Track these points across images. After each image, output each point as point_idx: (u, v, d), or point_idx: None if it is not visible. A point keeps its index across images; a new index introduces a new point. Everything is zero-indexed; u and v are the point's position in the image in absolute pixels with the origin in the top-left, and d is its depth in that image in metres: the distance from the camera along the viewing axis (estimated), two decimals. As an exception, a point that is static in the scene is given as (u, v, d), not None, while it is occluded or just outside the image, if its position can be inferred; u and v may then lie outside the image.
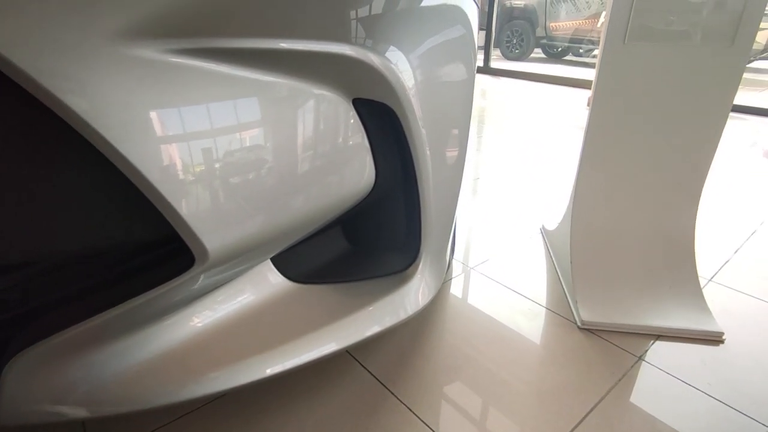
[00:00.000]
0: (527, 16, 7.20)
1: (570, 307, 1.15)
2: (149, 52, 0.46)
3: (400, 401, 0.85)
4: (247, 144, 0.51)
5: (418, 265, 0.74)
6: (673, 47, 0.98)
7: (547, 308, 1.15)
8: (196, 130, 0.49)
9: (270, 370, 0.65)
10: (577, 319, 1.09)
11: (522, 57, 7.40)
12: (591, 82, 3.93)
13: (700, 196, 1.11)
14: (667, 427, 0.81)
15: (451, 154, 0.75)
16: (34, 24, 0.40)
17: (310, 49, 0.53)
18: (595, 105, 1.09)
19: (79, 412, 0.56)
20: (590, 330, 1.06)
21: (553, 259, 1.37)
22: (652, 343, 1.01)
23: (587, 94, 4.13)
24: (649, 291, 1.12)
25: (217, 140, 0.50)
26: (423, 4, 0.65)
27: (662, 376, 0.92)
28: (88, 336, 0.54)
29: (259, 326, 0.65)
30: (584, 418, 0.82)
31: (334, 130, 0.57)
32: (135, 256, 0.54)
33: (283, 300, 0.65)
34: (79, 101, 0.42)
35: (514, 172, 2.18)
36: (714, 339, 1.02)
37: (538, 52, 7.78)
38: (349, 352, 0.96)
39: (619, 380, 0.91)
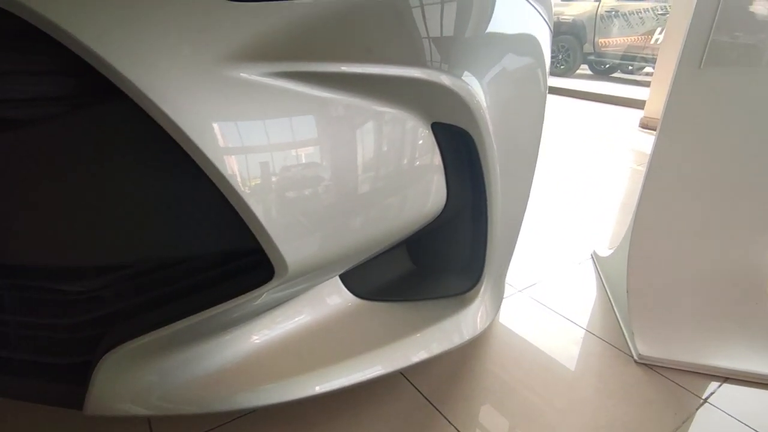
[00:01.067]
0: (575, 31, 7.06)
1: (625, 338, 1.10)
2: (249, 75, 0.48)
3: (450, 423, 0.84)
4: (332, 164, 0.53)
5: (479, 289, 0.73)
6: (756, 73, 0.93)
7: (600, 338, 1.11)
8: (286, 149, 0.51)
9: (323, 388, 0.65)
10: (633, 352, 1.04)
11: (567, 73, 7.25)
12: (643, 101, 3.80)
13: (775, 231, 1.05)
14: (737, 478, 0.76)
15: (520, 179, 0.74)
16: (150, 41, 0.44)
17: (396, 74, 0.54)
18: (663, 131, 1.05)
19: (154, 410, 0.58)
20: (648, 365, 1.01)
21: (606, 287, 1.32)
22: (719, 386, 0.95)
23: (639, 114, 3.99)
24: (715, 328, 1.05)
25: (304, 160, 0.52)
26: (501, 30, 0.65)
27: (731, 422, 0.87)
28: (166, 341, 0.56)
29: (317, 342, 0.66)
30: (645, 460, 0.78)
31: (412, 154, 0.58)
32: (219, 266, 0.56)
33: (345, 315, 0.66)
34: (184, 117, 0.45)
35: (562, 194, 2.12)
36: (787, 386, 0.96)
37: (584, 68, 7.60)
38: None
39: (684, 422, 0.86)
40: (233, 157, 0.47)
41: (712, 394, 0.93)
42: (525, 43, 0.71)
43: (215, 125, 0.46)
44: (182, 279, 0.56)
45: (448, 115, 0.59)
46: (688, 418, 0.87)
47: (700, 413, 0.88)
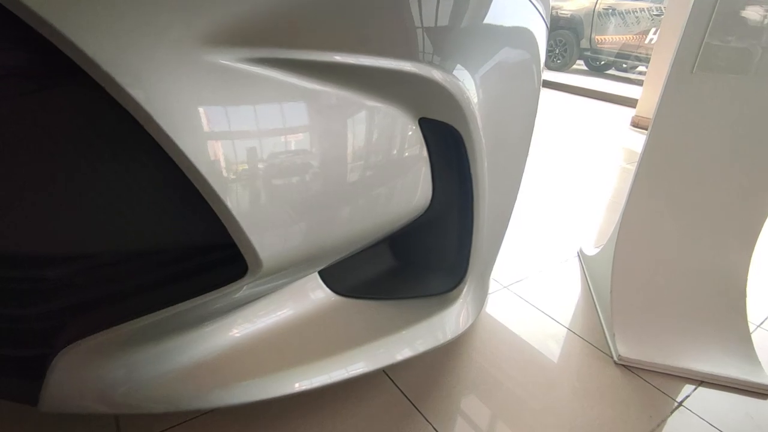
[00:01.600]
0: (573, 26, 7.03)
1: (606, 339, 1.11)
2: (226, 60, 0.46)
3: (427, 421, 0.83)
4: (310, 158, 0.51)
5: (462, 289, 0.72)
6: (748, 80, 0.93)
7: (581, 338, 1.11)
8: (262, 140, 0.48)
9: (302, 385, 0.64)
10: (613, 353, 1.05)
11: (563, 68, 7.23)
12: (635, 100, 3.81)
13: (757, 239, 1.05)
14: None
15: (509, 176, 0.72)
16: (117, 17, 0.40)
17: (383, 66, 0.51)
18: (653, 133, 1.04)
19: (118, 408, 0.56)
20: (627, 366, 1.02)
21: (591, 286, 1.33)
22: (694, 389, 0.96)
23: (631, 112, 4.00)
24: (694, 332, 1.06)
25: (283, 152, 0.49)
26: (496, 24, 0.62)
27: (703, 426, 0.88)
28: (134, 335, 0.54)
29: (297, 338, 0.65)
30: (619, 461, 0.79)
31: (398, 149, 0.56)
32: (188, 261, 0.54)
33: (325, 312, 0.64)
34: (151, 101, 0.42)
35: (550, 191, 2.12)
36: (761, 391, 0.97)
37: (579, 64, 7.59)
38: (377, 364, 0.95)
39: (658, 425, 0.87)
40: (206, 146, 0.45)
41: (687, 397, 0.94)
42: (520, 38, 0.69)
43: (188, 112, 0.43)
44: (151, 272, 0.53)
45: (437, 111, 0.56)
46: (663, 422, 0.88)
47: (675, 416, 0.89)
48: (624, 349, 1.04)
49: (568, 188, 2.17)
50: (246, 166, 0.47)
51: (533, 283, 1.33)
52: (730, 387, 0.98)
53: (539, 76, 0.76)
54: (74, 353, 0.52)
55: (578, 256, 1.51)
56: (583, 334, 1.13)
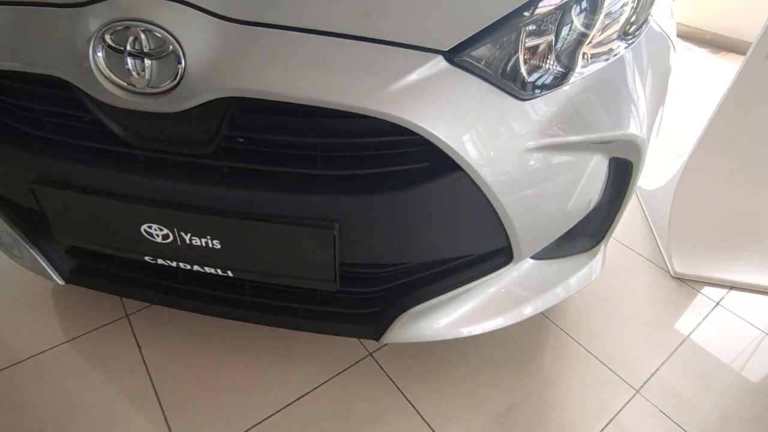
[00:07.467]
0: None
1: (663, 258, 1.51)
2: (533, 146, 0.74)
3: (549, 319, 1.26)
4: (561, 191, 0.82)
5: (600, 246, 1.09)
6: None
7: (643, 256, 1.52)
8: (534, 178, 0.79)
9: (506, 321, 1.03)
10: (670, 269, 1.47)
11: None
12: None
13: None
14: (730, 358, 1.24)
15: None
16: (484, 137, 0.69)
17: (604, 137, 0.80)
18: (730, 98, 1.29)
19: (421, 338, 0.95)
20: (681, 279, 1.44)
21: (647, 214, 1.70)
22: (727, 293, 1.41)
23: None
24: (731, 252, 1.48)
25: (550, 192, 0.81)
26: (658, 81, 0.89)
27: (733, 318, 1.33)
28: (438, 303, 0.91)
29: (505, 294, 1.01)
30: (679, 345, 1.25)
31: (597, 175, 0.87)
32: (478, 257, 0.88)
33: (526, 271, 1.01)
34: (497, 183, 0.72)
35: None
36: (771, 291, 1.42)
37: None
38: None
39: (704, 318, 1.32)
40: (516, 200, 0.76)
41: (722, 298, 1.39)
42: (665, 76, 0.94)
43: (515, 185, 0.74)
44: (454, 266, 0.88)
45: (623, 153, 0.86)
46: (706, 316, 1.33)
47: (715, 311, 1.34)
48: (679, 267, 1.45)
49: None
50: (526, 195, 0.78)
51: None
52: (751, 290, 1.42)
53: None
54: (405, 317, 0.90)
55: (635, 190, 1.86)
56: (643, 253, 1.54)
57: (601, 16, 0.74)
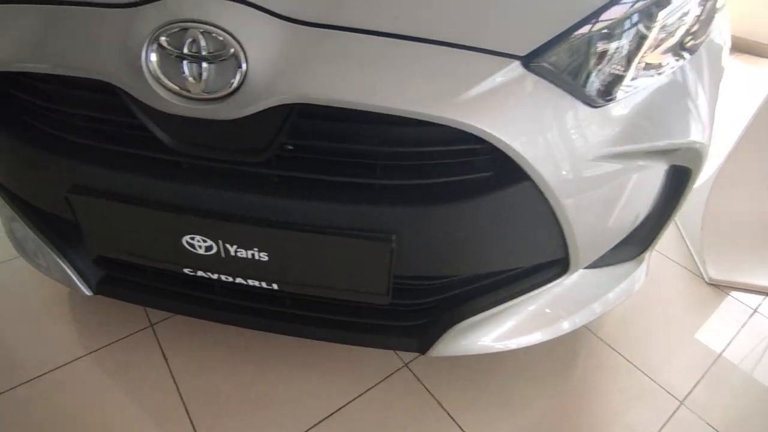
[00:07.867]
0: None
1: (696, 264, 1.49)
2: (598, 156, 0.71)
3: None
4: (622, 201, 0.79)
5: (646, 254, 1.06)
6: None
7: (677, 263, 1.49)
8: (596, 195, 0.76)
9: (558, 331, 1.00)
10: (704, 275, 1.44)
11: None
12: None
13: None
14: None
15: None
16: (551, 147, 0.66)
17: (668, 146, 0.77)
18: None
19: (469, 352, 0.91)
20: (716, 285, 1.42)
21: (678, 220, 1.67)
22: (764, 299, 1.38)
23: None
24: (765, 259, 1.45)
25: (608, 202, 0.77)
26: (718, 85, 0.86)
27: (772, 324, 1.31)
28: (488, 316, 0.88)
29: (551, 304, 0.97)
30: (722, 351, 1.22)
31: (653, 184, 0.84)
32: (533, 269, 0.85)
33: (578, 281, 0.97)
34: (562, 191, 0.68)
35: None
36: (807, 297, 1.39)
37: None
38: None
39: (743, 326, 1.29)
40: (579, 210, 0.72)
41: (759, 305, 1.36)
42: (720, 76, 0.91)
43: (580, 195, 0.70)
44: (507, 278, 0.85)
45: (685, 160, 0.83)
46: (744, 324, 1.30)
47: (753, 318, 1.31)
48: (714, 273, 1.42)
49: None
50: (589, 205, 0.75)
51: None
52: (788, 297, 1.40)
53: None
54: (457, 328, 0.86)
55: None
56: (675, 259, 1.51)
57: (672, 22, 0.71)
